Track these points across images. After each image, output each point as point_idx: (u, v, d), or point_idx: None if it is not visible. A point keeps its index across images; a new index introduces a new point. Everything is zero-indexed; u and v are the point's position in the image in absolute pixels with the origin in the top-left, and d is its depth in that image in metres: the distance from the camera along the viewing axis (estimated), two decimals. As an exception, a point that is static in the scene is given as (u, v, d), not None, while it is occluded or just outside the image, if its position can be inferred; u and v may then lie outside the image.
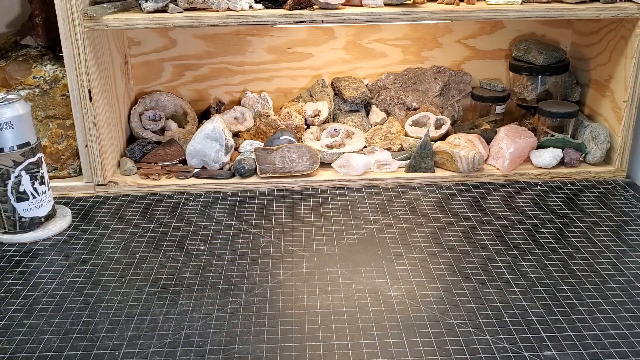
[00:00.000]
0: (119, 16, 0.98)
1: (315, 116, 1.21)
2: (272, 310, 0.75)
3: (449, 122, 1.18)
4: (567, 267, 0.83)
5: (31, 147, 0.89)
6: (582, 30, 1.22)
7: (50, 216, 0.95)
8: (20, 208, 0.90)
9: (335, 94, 1.25)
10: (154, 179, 1.08)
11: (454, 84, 1.28)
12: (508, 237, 0.90)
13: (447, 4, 1.04)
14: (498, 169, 1.10)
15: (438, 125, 1.18)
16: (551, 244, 0.89)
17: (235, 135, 1.20)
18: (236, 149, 1.15)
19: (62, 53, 0.99)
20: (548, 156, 1.10)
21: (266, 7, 1.03)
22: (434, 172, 1.09)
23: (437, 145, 1.10)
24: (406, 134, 1.17)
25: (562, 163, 1.11)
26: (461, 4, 1.04)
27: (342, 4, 1.02)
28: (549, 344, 0.68)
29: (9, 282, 0.81)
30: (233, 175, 1.08)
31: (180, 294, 0.78)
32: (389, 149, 1.16)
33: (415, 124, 1.19)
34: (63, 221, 0.95)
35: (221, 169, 1.10)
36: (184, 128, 1.22)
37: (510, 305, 0.75)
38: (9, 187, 0.89)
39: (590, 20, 1.16)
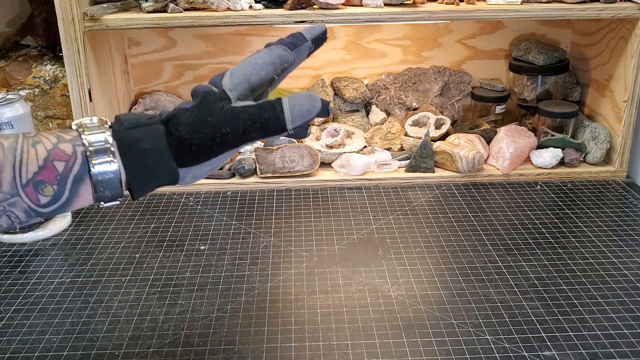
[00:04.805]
0: (119, 16, 0.98)
1: (315, 116, 1.21)
2: (272, 310, 0.75)
3: (449, 122, 1.18)
4: (567, 267, 0.83)
5: (31, 147, 0.89)
6: (582, 30, 1.22)
7: (50, 216, 0.95)
8: (20, 208, 0.90)
9: (335, 94, 1.25)
10: (154, 179, 1.08)
11: (454, 84, 1.28)
12: (508, 237, 0.90)
13: (447, 4, 1.04)
14: (498, 169, 1.10)
15: (438, 125, 1.18)
16: (551, 244, 0.89)
17: (235, 135, 1.20)
18: (236, 149, 1.15)
19: (62, 53, 0.99)
20: (548, 156, 1.10)
21: (266, 7, 1.03)
22: (434, 172, 1.09)
23: (437, 145, 1.10)
24: (406, 134, 1.17)
25: (562, 163, 1.11)
26: (461, 4, 1.04)
27: (342, 4, 1.02)
28: (549, 344, 0.68)
29: (9, 282, 0.81)
30: (233, 175, 1.08)
31: (180, 294, 0.78)
32: (389, 149, 1.16)
33: (415, 124, 1.19)
34: (63, 221, 0.95)
35: (221, 169, 1.10)
36: (184, 128, 1.22)
37: (510, 305, 0.75)
38: (9, 187, 0.89)
39: (590, 20, 1.16)
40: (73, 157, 0.49)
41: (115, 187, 0.50)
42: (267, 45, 0.58)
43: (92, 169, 0.49)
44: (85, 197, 0.50)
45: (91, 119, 0.52)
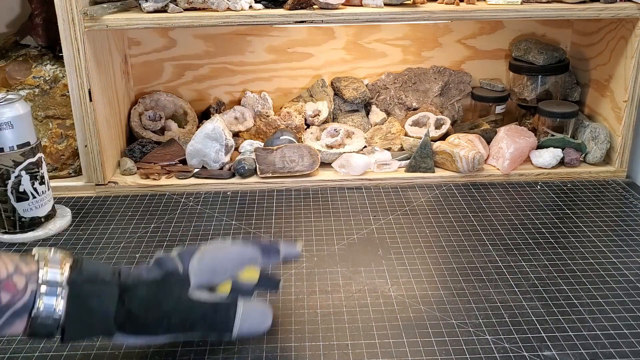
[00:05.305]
0: (119, 16, 0.98)
1: (315, 116, 1.21)
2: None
3: (449, 122, 1.18)
4: (567, 267, 0.83)
5: (31, 147, 0.89)
6: (582, 30, 1.22)
7: (50, 216, 0.95)
8: (20, 208, 0.90)
9: (335, 94, 1.25)
10: (154, 179, 1.08)
11: (454, 84, 1.28)
12: (508, 237, 0.90)
13: (447, 4, 1.04)
14: (498, 169, 1.10)
15: (438, 125, 1.18)
16: (551, 244, 0.89)
17: (235, 135, 1.20)
18: (236, 149, 1.15)
19: (62, 53, 0.99)
20: (548, 156, 1.10)
21: (266, 7, 1.03)
22: (434, 172, 1.09)
23: (437, 145, 1.10)
24: (406, 134, 1.17)
25: (562, 163, 1.11)
26: (461, 4, 1.04)
27: (342, 4, 1.02)
28: (549, 344, 0.68)
29: (9, 282, 0.81)
30: (233, 175, 1.08)
31: (180, 294, 0.78)
32: (389, 149, 1.16)
33: (415, 124, 1.19)
34: (63, 221, 0.95)
35: (221, 169, 1.10)
36: (184, 128, 1.22)
37: (510, 305, 0.75)
38: (9, 187, 0.89)
39: (590, 20, 1.16)
40: (22, 292, 0.50)
41: (50, 328, 0.52)
42: (247, 239, 0.60)
43: (34, 310, 0.51)
44: (16, 329, 0.52)
45: (54, 253, 0.53)
